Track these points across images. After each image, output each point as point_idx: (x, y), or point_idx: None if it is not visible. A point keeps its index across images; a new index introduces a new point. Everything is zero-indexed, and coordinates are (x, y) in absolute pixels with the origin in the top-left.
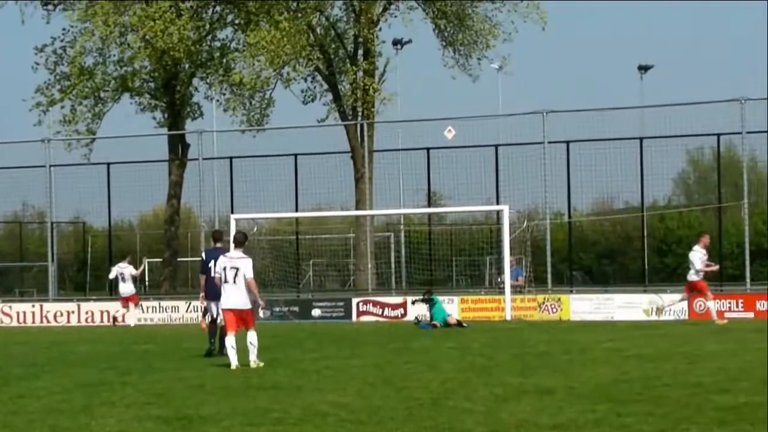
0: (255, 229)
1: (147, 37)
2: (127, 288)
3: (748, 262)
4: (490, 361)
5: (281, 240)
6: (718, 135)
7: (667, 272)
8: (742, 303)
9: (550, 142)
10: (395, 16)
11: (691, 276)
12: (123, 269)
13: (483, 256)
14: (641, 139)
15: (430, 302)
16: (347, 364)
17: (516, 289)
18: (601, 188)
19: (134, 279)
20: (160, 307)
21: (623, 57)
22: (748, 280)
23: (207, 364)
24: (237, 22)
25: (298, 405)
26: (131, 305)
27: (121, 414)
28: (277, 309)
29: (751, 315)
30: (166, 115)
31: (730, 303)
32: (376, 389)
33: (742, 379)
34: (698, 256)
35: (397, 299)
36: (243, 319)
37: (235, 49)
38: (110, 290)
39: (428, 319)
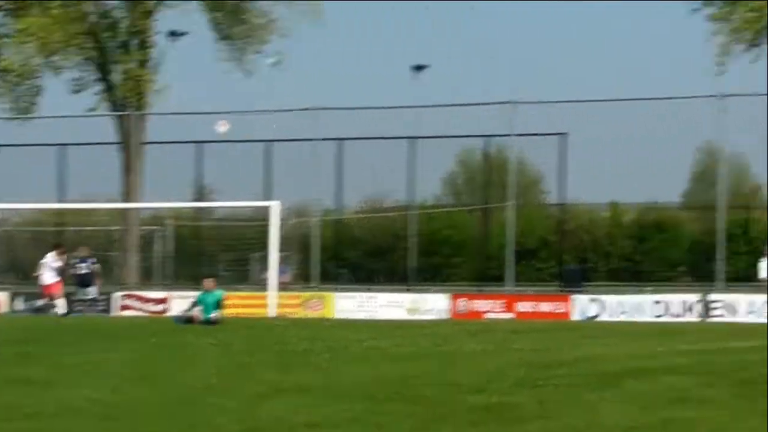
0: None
1: None
2: None
3: (511, 263)
4: (250, 358)
5: (43, 231)
6: (487, 136)
7: (431, 271)
8: (503, 304)
9: (321, 139)
10: (171, 8)
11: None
12: None
13: (251, 252)
14: (412, 138)
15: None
16: (105, 359)
17: (282, 286)
18: (372, 186)
19: None
20: None
21: (398, 56)
22: (510, 280)
23: None
24: (7, 7)
25: (52, 400)
26: None
27: None
28: (36, 301)
29: (511, 316)
30: None
31: (490, 303)
32: (133, 385)
33: (497, 380)
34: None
35: (160, 294)
36: None
37: (4, 35)
38: None
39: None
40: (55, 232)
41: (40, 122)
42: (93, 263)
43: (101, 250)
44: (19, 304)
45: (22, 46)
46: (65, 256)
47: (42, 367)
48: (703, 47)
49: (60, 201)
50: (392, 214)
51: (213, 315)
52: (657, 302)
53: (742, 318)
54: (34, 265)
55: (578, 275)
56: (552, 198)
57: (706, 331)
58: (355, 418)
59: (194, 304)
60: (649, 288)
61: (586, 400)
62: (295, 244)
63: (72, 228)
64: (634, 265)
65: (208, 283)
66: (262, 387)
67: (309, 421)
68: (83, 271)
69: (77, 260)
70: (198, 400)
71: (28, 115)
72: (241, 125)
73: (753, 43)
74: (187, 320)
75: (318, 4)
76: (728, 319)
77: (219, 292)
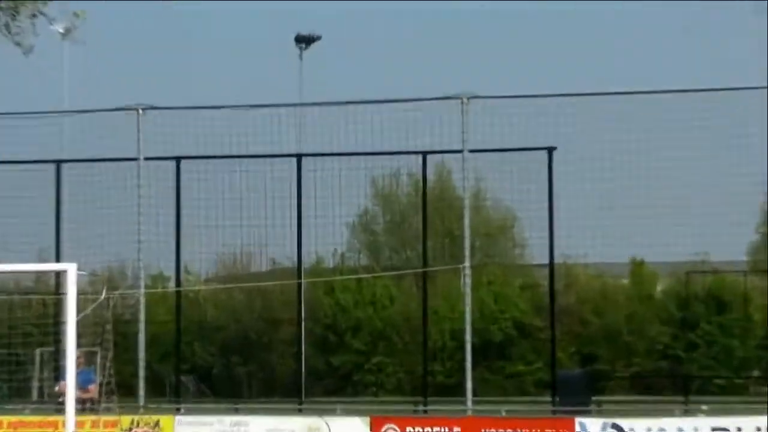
0: None
1: None
2: None
3: (469, 365)
4: None
5: None
6: (424, 153)
7: (337, 380)
8: None
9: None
10: None
11: None
12: None
13: (30, 349)
14: (299, 156)
15: None
16: None
17: (86, 405)
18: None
19: None
20: None
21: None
22: (469, 393)
23: None
24: None
25: None
26: None
27: None
28: None
29: None
30: None
31: None
32: None
33: None
34: None
35: None
36: None
37: None
38: None
39: None
40: None
41: None
42: None
43: None
44: None
45: None
46: None
47: None
48: None
49: None
50: (269, 283)
51: None
52: (718, 430)
53: None
54: None
55: (583, 384)
56: (534, 255)
57: None
58: None
59: None
60: (703, 406)
61: None
62: (107, 333)
63: None
64: (675, 366)
65: None
66: None
67: None
68: None
69: None
70: None
71: None
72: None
73: None
74: None
75: None
76: None
77: None
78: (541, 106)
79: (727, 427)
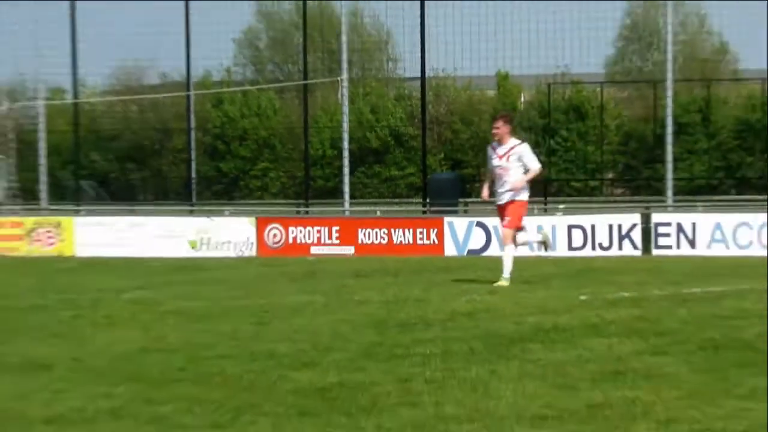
0: None
1: None
2: None
3: (346, 170)
4: None
5: None
6: None
7: (224, 184)
8: (337, 231)
9: None
10: None
11: None
12: None
13: None
14: None
15: None
16: None
17: None
18: (125, 51)
19: None
20: None
21: None
22: (346, 196)
23: None
24: None
25: None
26: None
27: None
28: None
29: (350, 250)
30: None
31: (319, 231)
32: None
33: (334, 349)
34: None
35: None
36: None
37: None
38: None
39: None
40: None
41: None
42: None
43: None
44: None
45: None
46: None
47: None
48: None
49: None
50: (160, 95)
51: None
52: (574, 227)
53: (702, 250)
54: None
55: (452, 187)
56: (407, 70)
57: (648, 270)
58: (120, 409)
59: None
60: (560, 206)
61: (471, 377)
62: (9, 142)
63: None
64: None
65: None
66: None
67: (48, 414)
68: None
69: None
70: None
71: None
72: None
73: None
74: None
75: None
76: (681, 251)
77: None
78: None
79: (582, 224)
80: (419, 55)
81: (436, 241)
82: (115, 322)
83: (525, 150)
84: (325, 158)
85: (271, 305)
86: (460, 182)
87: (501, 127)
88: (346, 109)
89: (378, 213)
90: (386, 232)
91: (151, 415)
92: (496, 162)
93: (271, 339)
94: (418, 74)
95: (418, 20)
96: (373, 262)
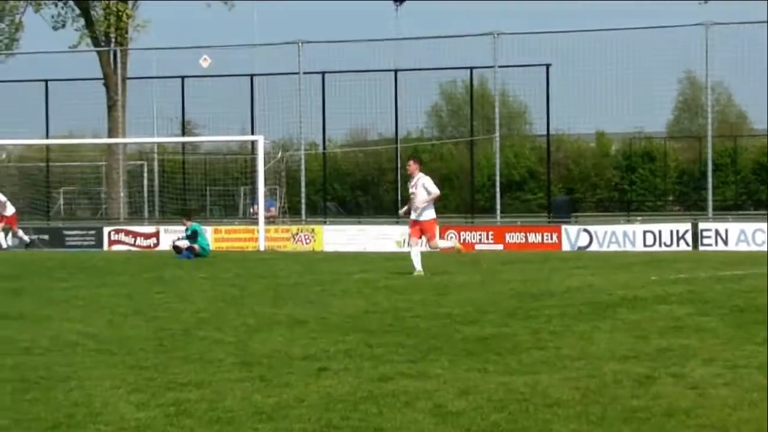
0: (4, 155)
1: None
2: None
3: (498, 195)
4: (242, 291)
5: (31, 167)
6: (471, 68)
7: None
8: (492, 235)
9: (305, 73)
10: None
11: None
12: None
13: (237, 186)
14: (396, 71)
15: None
16: (97, 294)
17: (269, 220)
18: (357, 119)
19: None
20: None
21: None
22: (498, 212)
23: None
24: None
25: (46, 334)
26: None
27: None
28: (26, 236)
29: (500, 247)
30: None
31: (480, 235)
32: (126, 319)
33: (489, 311)
34: None
35: (149, 228)
36: None
37: None
38: None
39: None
40: (41, 168)
41: (23, 59)
42: None
43: (89, 185)
44: (10, 239)
45: None
46: None
47: (34, 303)
48: None
49: (46, 137)
50: (378, 147)
51: (189, 244)
52: (647, 232)
53: (732, 247)
54: (20, 201)
55: (567, 206)
56: (538, 129)
57: (697, 260)
58: (351, 350)
59: (183, 238)
60: (638, 218)
61: (579, 330)
62: (282, 177)
63: (58, 163)
64: (622, 195)
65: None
66: (255, 320)
67: (305, 353)
68: None
69: None
70: (192, 333)
71: (10, 52)
72: (224, 59)
73: None
74: (181, 251)
75: None
76: (718, 248)
77: (194, 225)
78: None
79: (652, 230)
80: (545, 118)
81: (556, 241)
82: (347, 294)
83: (427, 180)
84: (484, 187)
85: (447, 282)
86: (572, 202)
87: (411, 166)
88: (497, 154)
89: (518, 222)
90: (524, 235)
91: (370, 354)
92: (410, 190)
93: (448, 305)
94: (545, 132)
95: (545, 90)
96: (514, 255)
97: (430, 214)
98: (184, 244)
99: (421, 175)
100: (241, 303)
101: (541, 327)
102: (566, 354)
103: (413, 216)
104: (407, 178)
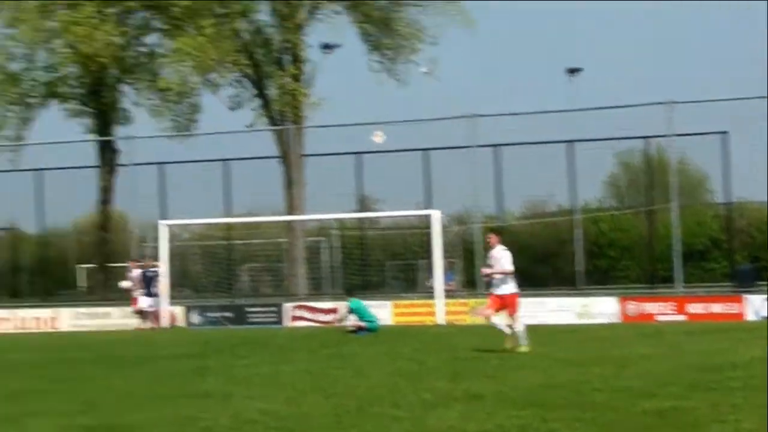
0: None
1: (72, 42)
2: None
3: (678, 264)
4: (420, 366)
5: (214, 245)
6: (647, 137)
7: (599, 275)
8: (674, 306)
9: (479, 146)
10: (321, 21)
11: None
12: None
13: (416, 260)
14: (571, 142)
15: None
16: (278, 371)
17: (448, 293)
18: (532, 191)
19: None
20: (93, 313)
21: (551, 59)
22: (679, 282)
23: (137, 371)
24: (163, 27)
25: (227, 413)
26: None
27: (48, 424)
28: (211, 314)
29: (682, 318)
30: (95, 122)
31: (661, 306)
32: (305, 396)
33: (670, 384)
34: None
35: (330, 304)
36: None
37: (161, 55)
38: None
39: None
40: (224, 246)
41: (201, 139)
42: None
43: (270, 262)
44: (195, 317)
45: (179, 66)
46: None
47: (218, 380)
48: None
49: (227, 215)
50: (555, 218)
51: (358, 322)
52: None
53: None
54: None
55: (751, 275)
56: (718, 197)
57: None
58: (526, 426)
59: (350, 312)
60: None
61: (762, 403)
62: (459, 251)
63: (240, 241)
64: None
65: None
66: (432, 395)
67: (480, 429)
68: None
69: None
70: (368, 409)
71: (190, 133)
72: (397, 134)
73: None
74: (355, 330)
75: (466, 11)
76: None
77: (352, 302)
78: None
79: None
80: (724, 186)
81: (740, 311)
82: (525, 367)
83: (505, 254)
84: (664, 256)
85: (628, 355)
86: (757, 270)
87: (492, 239)
88: (676, 222)
89: (700, 292)
90: (706, 305)
91: (546, 428)
92: (489, 261)
93: (627, 377)
94: (725, 200)
95: (722, 158)
96: (696, 326)
97: (510, 288)
98: (354, 321)
99: (500, 247)
100: (418, 378)
101: (723, 400)
102: (747, 428)
103: (492, 289)
104: (589, 249)
